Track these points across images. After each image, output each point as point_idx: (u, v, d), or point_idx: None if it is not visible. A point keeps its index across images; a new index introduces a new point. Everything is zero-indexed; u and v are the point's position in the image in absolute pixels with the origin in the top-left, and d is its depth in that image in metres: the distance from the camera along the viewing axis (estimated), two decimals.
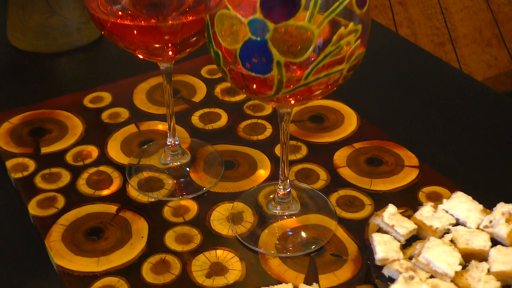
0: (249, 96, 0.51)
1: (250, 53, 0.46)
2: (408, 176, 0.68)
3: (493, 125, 0.76)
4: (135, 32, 0.55)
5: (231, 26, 0.47)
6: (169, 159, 0.69)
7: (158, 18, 0.54)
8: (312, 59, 0.46)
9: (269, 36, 0.45)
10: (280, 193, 0.62)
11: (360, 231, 0.61)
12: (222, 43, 0.48)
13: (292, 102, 0.51)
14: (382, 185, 0.67)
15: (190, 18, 0.54)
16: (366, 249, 0.59)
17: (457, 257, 0.54)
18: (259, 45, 0.46)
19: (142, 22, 0.54)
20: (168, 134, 0.68)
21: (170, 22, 0.54)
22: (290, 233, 0.61)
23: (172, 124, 0.67)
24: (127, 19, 0.54)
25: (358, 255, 0.59)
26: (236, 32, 0.46)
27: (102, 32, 0.57)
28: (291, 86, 0.47)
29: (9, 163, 0.70)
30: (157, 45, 0.56)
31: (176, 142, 0.69)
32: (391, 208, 0.59)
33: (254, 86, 0.49)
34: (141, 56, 0.59)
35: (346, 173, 0.68)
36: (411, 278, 0.53)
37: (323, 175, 0.68)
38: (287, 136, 0.59)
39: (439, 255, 0.54)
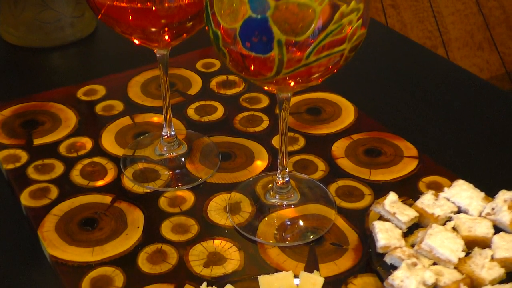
0: (249, 78, 0.50)
1: (250, 31, 0.45)
2: (407, 167, 0.67)
3: (491, 115, 0.76)
4: (131, 15, 0.54)
5: (231, 4, 0.46)
6: (164, 149, 0.67)
7: (155, 1, 0.53)
8: (313, 38, 0.45)
9: (270, 13, 0.44)
10: (279, 183, 0.61)
11: (360, 221, 0.60)
12: (222, 23, 0.47)
13: (292, 84, 0.50)
14: (382, 175, 0.66)
15: (187, 0, 0.53)
16: (367, 238, 0.58)
17: (460, 244, 0.54)
18: (259, 23, 0.45)
19: (138, 4, 0.53)
20: (164, 125, 0.67)
21: (166, 4, 0.53)
22: (289, 222, 0.60)
23: (168, 115, 0.66)
24: (123, 2, 0.53)
25: (358, 244, 0.58)
26: (236, 11, 0.45)
27: (98, 17, 0.56)
28: (292, 66, 0.46)
29: (1, 155, 0.68)
30: (153, 29, 0.55)
31: (172, 133, 0.67)
32: (392, 196, 0.58)
33: (254, 67, 0.48)
34: (137, 42, 0.58)
35: (344, 163, 0.67)
36: (414, 264, 0.52)
37: (321, 165, 0.67)
38: (286, 126, 0.58)
39: (442, 242, 0.53)
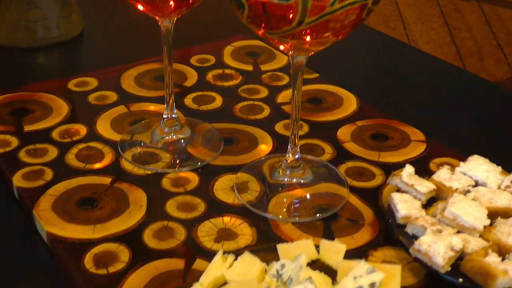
0: (268, 33, 0.48)
1: None
2: (416, 150, 0.65)
3: (489, 102, 0.75)
4: None
5: None
6: (166, 130, 0.64)
7: None
8: None
9: None
10: (290, 160, 0.59)
11: (373, 199, 0.58)
12: None
13: (308, 39, 0.47)
14: (391, 157, 0.64)
15: None
16: (383, 215, 0.55)
17: (484, 212, 0.51)
18: None
19: None
20: (166, 107, 0.64)
21: None
22: (301, 199, 0.57)
23: (171, 100, 0.63)
24: None
25: (375, 220, 0.55)
26: None
27: None
28: (315, 14, 0.45)
29: None
30: None
31: (174, 115, 0.64)
32: (408, 168, 0.56)
33: (276, 16, 0.45)
34: (141, 8, 0.55)
35: (351, 147, 0.65)
36: (439, 231, 0.49)
37: (328, 149, 0.65)
38: (298, 109, 0.56)
39: (466, 209, 0.51)
